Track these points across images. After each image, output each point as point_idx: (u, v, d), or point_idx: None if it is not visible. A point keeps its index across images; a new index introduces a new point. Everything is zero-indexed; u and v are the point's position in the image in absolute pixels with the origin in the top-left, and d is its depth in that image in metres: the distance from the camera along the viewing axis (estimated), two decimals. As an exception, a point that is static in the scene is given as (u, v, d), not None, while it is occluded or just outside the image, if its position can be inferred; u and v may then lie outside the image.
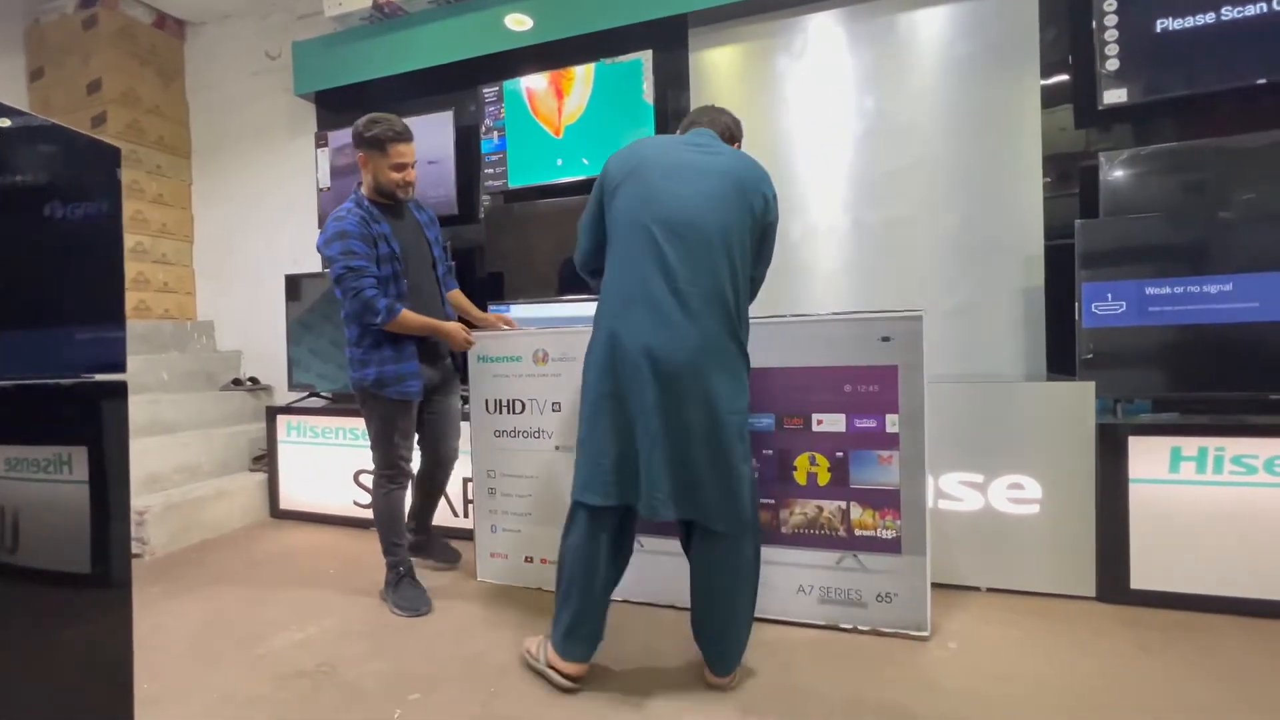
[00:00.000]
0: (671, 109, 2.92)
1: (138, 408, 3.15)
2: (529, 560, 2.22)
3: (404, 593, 2.06)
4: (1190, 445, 1.89)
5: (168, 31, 3.96)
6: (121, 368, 0.96)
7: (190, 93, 4.06)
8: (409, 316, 1.96)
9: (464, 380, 2.33)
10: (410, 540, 2.27)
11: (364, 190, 2.04)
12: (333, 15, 3.30)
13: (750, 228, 1.48)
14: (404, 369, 2.01)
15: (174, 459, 3.09)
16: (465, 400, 2.35)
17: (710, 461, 1.43)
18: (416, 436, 2.19)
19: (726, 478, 1.44)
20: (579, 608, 1.52)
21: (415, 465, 2.21)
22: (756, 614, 1.88)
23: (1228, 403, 2.06)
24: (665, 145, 1.57)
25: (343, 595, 2.21)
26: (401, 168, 1.98)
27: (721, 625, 1.53)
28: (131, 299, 3.70)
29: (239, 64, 3.92)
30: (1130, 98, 2.26)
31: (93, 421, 0.93)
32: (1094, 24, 2.29)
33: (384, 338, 1.98)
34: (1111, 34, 2.26)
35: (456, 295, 2.34)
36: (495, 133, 3.13)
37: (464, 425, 2.35)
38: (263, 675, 1.68)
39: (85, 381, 0.92)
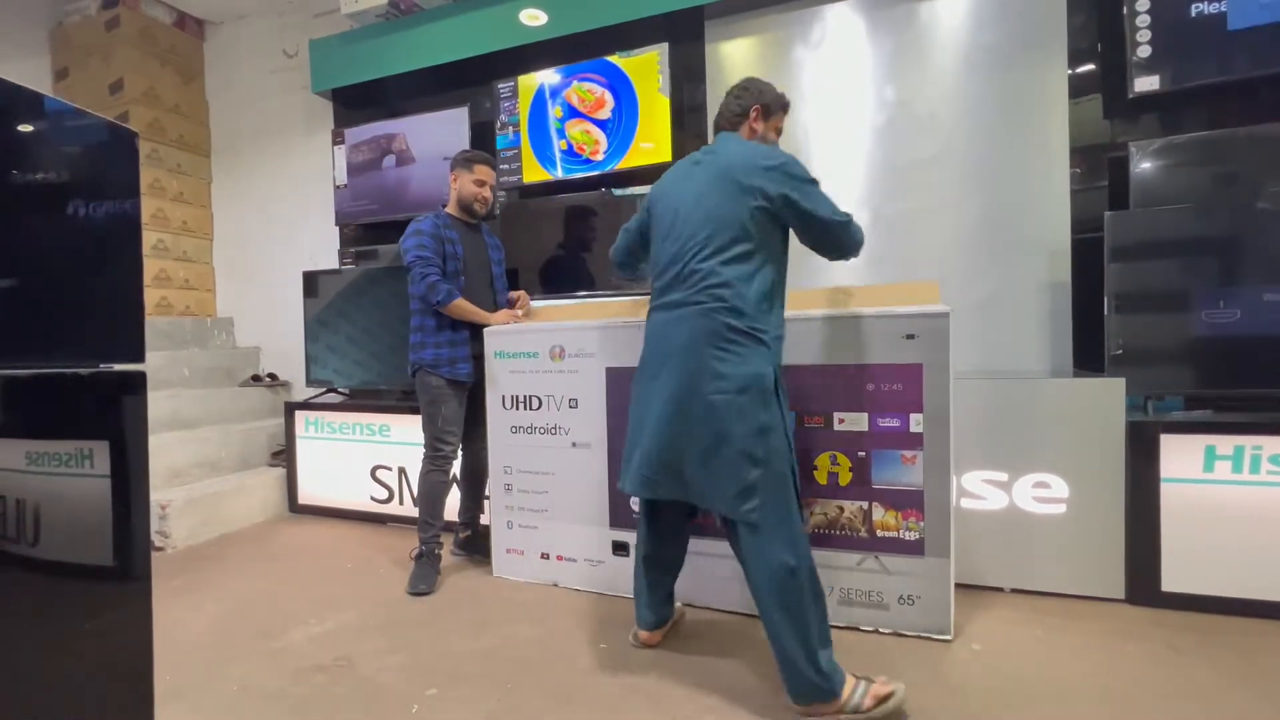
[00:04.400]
0: (688, 103, 2.89)
1: (159, 403, 3.19)
2: (545, 556, 2.22)
3: (417, 569, 2.24)
4: (1225, 444, 1.83)
5: (187, 31, 4.00)
6: (140, 357, 0.96)
7: (209, 91, 4.10)
8: (464, 304, 2.23)
9: None
10: (461, 537, 2.51)
11: (447, 207, 2.38)
12: (349, 13, 3.31)
13: (757, 209, 1.47)
14: (457, 352, 2.26)
15: (195, 454, 3.13)
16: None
17: (700, 445, 1.46)
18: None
19: (717, 460, 1.44)
20: None
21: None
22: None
23: (1265, 400, 1.99)
24: (673, 174, 1.67)
25: (360, 590, 2.22)
26: (481, 184, 2.33)
27: (767, 635, 1.45)
28: (153, 296, 3.76)
29: (257, 62, 3.95)
30: (1162, 85, 2.19)
31: (111, 412, 0.92)
32: (1125, 9, 2.22)
33: (443, 323, 2.25)
34: (1143, 19, 2.19)
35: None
36: (510, 128, 3.12)
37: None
38: (281, 668, 1.69)
39: (104, 372, 0.92)
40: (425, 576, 2.20)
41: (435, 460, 2.26)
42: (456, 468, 2.49)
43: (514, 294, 2.51)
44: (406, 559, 2.35)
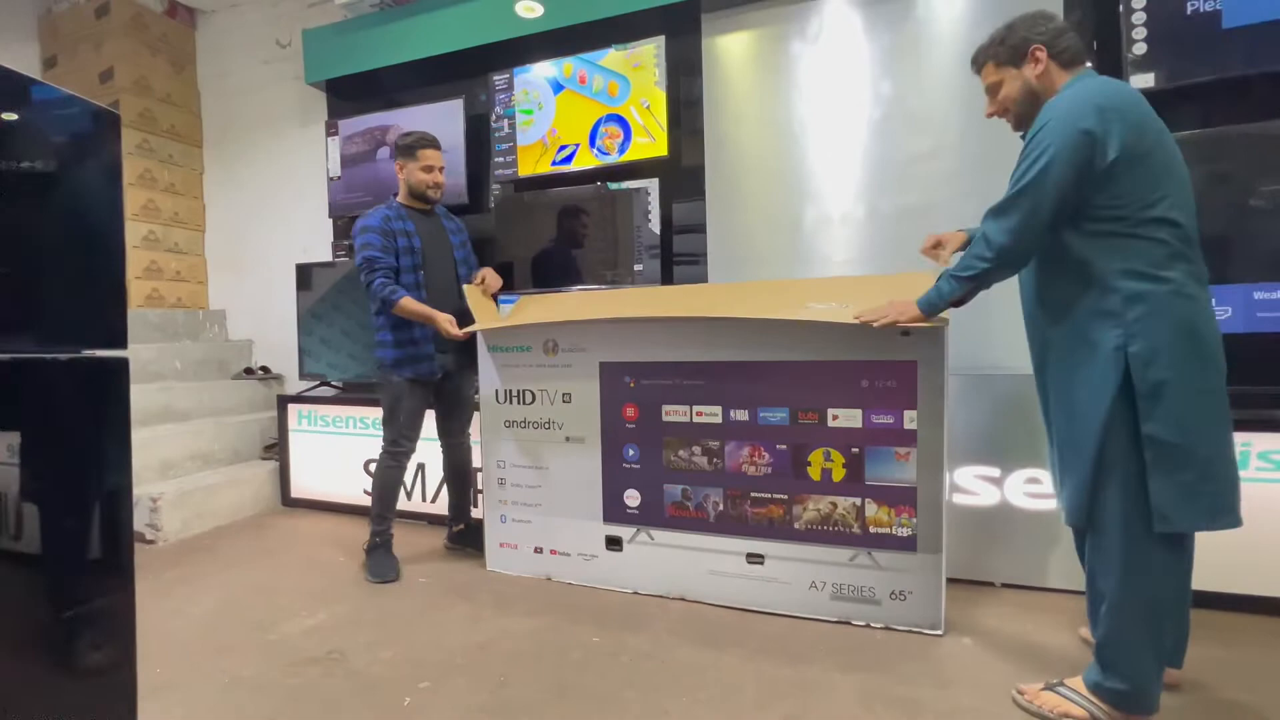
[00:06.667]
0: (684, 96, 2.87)
1: (151, 395, 3.18)
2: (538, 550, 2.22)
3: (376, 560, 2.25)
4: (1215, 441, 1.84)
5: (179, 20, 3.96)
6: (123, 343, 0.94)
7: (201, 81, 4.06)
8: (407, 304, 2.12)
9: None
10: (454, 530, 2.50)
11: (399, 197, 2.29)
12: (343, 2, 3.27)
13: None
14: (420, 351, 2.21)
15: (187, 447, 3.11)
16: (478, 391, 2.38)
17: None
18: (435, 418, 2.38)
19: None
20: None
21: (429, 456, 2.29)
22: (767, 608, 1.89)
23: (1255, 397, 2.00)
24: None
25: (353, 583, 2.21)
26: (430, 169, 2.23)
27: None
28: (144, 288, 3.73)
29: (250, 52, 3.90)
30: (1157, 83, 2.18)
31: (93, 400, 0.91)
32: (1120, 6, 2.22)
33: (403, 322, 2.18)
34: (1139, 16, 2.19)
35: (480, 271, 2.38)
36: (506, 121, 3.10)
37: (476, 415, 2.37)
38: (273, 661, 1.69)
39: (85, 357, 0.90)
40: (388, 565, 2.22)
41: (394, 456, 2.26)
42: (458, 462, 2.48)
43: (481, 273, 2.31)
44: (401, 551, 2.35)
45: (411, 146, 2.22)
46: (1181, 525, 1.23)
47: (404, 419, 2.23)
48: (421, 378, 2.22)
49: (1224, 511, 1.25)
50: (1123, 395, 1.24)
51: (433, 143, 2.25)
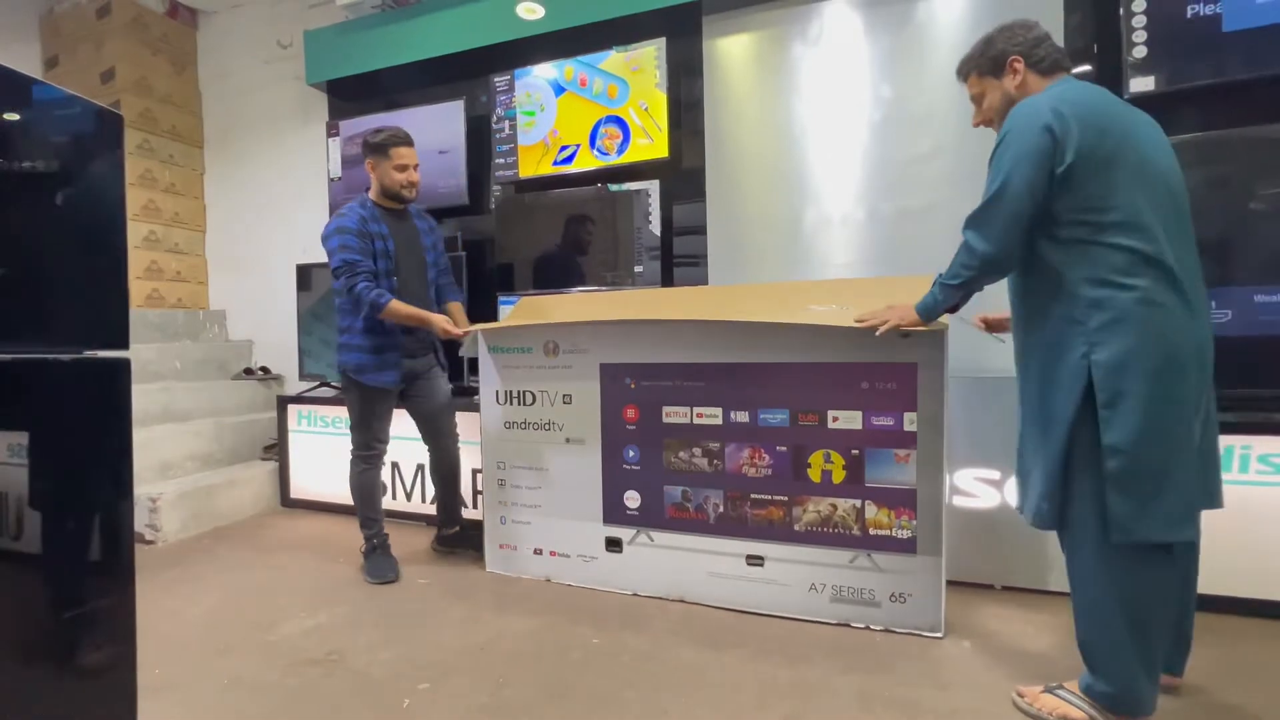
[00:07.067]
0: (685, 98, 2.87)
1: (150, 396, 3.18)
2: (538, 552, 2.22)
3: (375, 562, 2.24)
4: (1215, 444, 1.84)
5: (180, 20, 3.96)
6: (125, 344, 0.94)
7: (202, 82, 4.06)
8: (397, 306, 2.09)
9: (453, 377, 2.43)
10: (444, 534, 2.46)
11: (370, 194, 2.22)
12: (344, 3, 3.28)
13: None
14: (385, 358, 2.17)
15: (186, 447, 3.11)
16: (464, 393, 2.38)
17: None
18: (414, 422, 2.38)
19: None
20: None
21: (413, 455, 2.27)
22: (767, 610, 1.89)
23: (1255, 400, 2.00)
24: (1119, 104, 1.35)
25: (352, 584, 2.21)
26: (404, 168, 2.15)
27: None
28: (145, 288, 3.73)
29: (251, 53, 3.91)
30: (1157, 86, 2.19)
31: (93, 400, 0.91)
32: (1121, 10, 2.22)
33: (370, 327, 2.13)
34: (1139, 20, 2.19)
35: (455, 308, 2.40)
36: (507, 122, 3.10)
37: (471, 416, 2.37)
38: (272, 662, 1.68)
39: (87, 358, 0.90)
40: (387, 565, 2.22)
41: (368, 459, 2.25)
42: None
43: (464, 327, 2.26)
44: (399, 552, 2.35)
45: (384, 145, 2.13)
46: (1138, 535, 1.21)
47: (376, 424, 2.22)
48: (391, 386, 2.20)
49: (1182, 523, 1.23)
50: (1086, 403, 1.24)
51: (406, 140, 2.16)
